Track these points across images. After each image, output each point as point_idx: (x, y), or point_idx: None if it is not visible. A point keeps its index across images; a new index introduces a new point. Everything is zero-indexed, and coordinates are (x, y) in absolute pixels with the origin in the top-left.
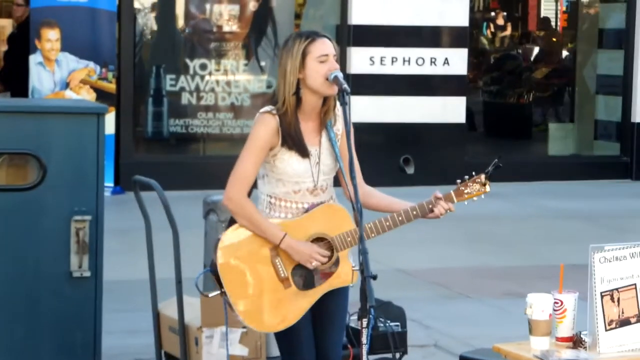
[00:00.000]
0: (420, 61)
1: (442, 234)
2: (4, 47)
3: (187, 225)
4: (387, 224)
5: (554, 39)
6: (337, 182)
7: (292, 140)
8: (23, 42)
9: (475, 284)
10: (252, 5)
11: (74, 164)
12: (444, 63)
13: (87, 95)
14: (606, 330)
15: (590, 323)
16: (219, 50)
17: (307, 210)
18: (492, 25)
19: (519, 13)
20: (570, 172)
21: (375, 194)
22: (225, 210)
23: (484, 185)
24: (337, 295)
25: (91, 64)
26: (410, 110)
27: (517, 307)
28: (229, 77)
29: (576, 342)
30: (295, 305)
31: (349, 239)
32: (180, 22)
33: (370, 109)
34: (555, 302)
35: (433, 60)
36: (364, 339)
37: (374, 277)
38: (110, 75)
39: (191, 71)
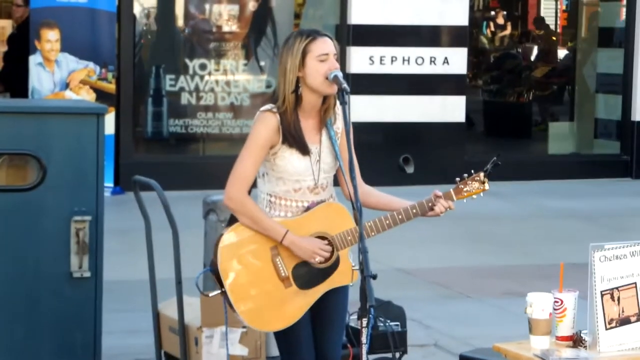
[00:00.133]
0: (419, 60)
1: (442, 234)
2: (4, 48)
3: (187, 225)
4: (387, 222)
5: (554, 38)
6: (335, 181)
7: (293, 138)
8: (23, 42)
9: (475, 284)
10: (251, 5)
11: (74, 165)
12: (444, 62)
13: (87, 96)
14: (606, 329)
15: (591, 322)
16: (219, 50)
17: (307, 209)
18: (491, 25)
19: (518, 12)
20: (570, 171)
21: (374, 193)
22: (225, 210)
23: (483, 183)
24: (337, 295)
25: (91, 65)
26: (410, 110)
27: (517, 307)
28: (229, 77)
29: (576, 341)
30: (295, 305)
31: (349, 237)
32: (180, 22)
33: (370, 109)
34: (556, 301)
35: (433, 59)
36: (363, 339)
37: (374, 277)
38: (109, 75)
39: (191, 71)
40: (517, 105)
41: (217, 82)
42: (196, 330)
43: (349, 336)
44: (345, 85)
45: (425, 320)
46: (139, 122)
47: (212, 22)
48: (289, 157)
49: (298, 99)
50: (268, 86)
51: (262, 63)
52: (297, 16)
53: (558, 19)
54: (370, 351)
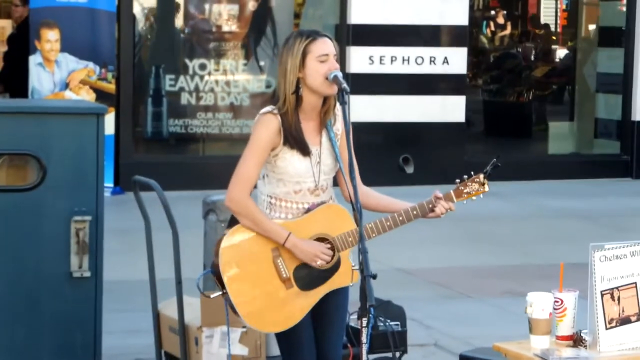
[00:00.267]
0: (419, 60)
1: (442, 234)
2: (4, 48)
3: (187, 226)
4: (388, 223)
5: (553, 37)
6: (334, 182)
7: (294, 139)
8: (22, 42)
9: (476, 283)
10: (251, 5)
11: (74, 165)
12: (444, 62)
13: (87, 96)
14: (606, 328)
15: (591, 322)
16: (218, 50)
17: (307, 211)
18: (491, 24)
19: (518, 12)
20: (570, 170)
21: (373, 194)
22: (225, 210)
23: (483, 184)
24: (337, 296)
25: (91, 65)
26: (409, 110)
27: (517, 306)
28: (229, 77)
29: (576, 340)
30: (297, 306)
31: (350, 239)
32: (180, 22)
33: (370, 109)
34: (556, 301)
35: (432, 59)
36: (363, 338)
37: (374, 277)
38: (109, 75)
39: (190, 71)
40: (517, 105)
41: (216, 82)
42: (196, 330)
43: (349, 336)
44: (345, 85)
45: (425, 320)
46: (138, 122)
47: (211, 22)
48: (290, 159)
49: (298, 100)
50: (268, 86)
51: (262, 63)
52: (297, 16)
53: (558, 18)
54: (370, 351)
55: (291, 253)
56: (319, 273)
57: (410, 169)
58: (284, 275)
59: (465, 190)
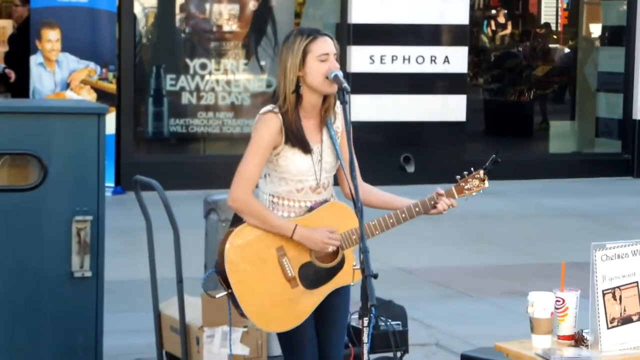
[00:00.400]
0: (420, 59)
1: (443, 233)
2: (5, 48)
3: (188, 225)
4: (391, 221)
5: (554, 36)
6: (334, 180)
7: (295, 138)
8: (23, 42)
9: (476, 283)
10: (252, 5)
11: (75, 165)
12: (444, 61)
13: (88, 96)
14: (608, 328)
15: (592, 321)
16: (219, 50)
17: (310, 209)
18: (492, 23)
19: (519, 11)
20: (571, 169)
21: (374, 191)
22: (226, 209)
23: (483, 180)
24: (339, 295)
25: (91, 64)
26: (410, 109)
27: (518, 306)
28: (229, 77)
29: (578, 340)
30: (302, 305)
31: (354, 237)
32: (180, 22)
33: (371, 108)
34: (557, 300)
35: (433, 58)
36: (365, 338)
37: (375, 276)
38: (110, 75)
39: (191, 71)
40: (518, 104)
41: (217, 81)
42: (197, 330)
43: (350, 335)
44: (345, 84)
45: (426, 319)
46: (139, 122)
47: (212, 21)
48: (292, 157)
49: (299, 98)
50: (268, 85)
51: (263, 62)
52: (298, 15)
53: (559, 17)
54: (372, 350)
55: (296, 252)
56: (324, 271)
57: (411, 168)
58: (290, 275)
59: (466, 187)
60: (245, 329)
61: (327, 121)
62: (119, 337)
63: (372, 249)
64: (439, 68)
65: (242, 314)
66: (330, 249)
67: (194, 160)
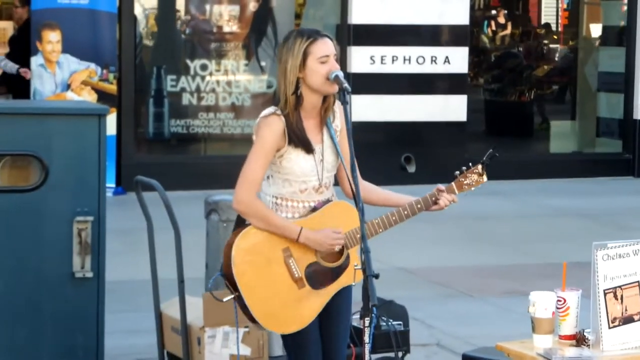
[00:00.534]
0: (420, 60)
1: (443, 233)
2: (5, 50)
3: (189, 226)
4: (394, 218)
5: (554, 37)
6: (335, 180)
7: (298, 139)
8: (24, 44)
9: (478, 283)
10: (252, 6)
11: (76, 165)
12: (445, 61)
13: (89, 97)
14: (609, 327)
15: (594, 321)
16: (220, 51)
17: (314, 209)
18: (492, 24)
19: (519, 11)
20: (572, 169)
21: (374, 190)
22: (227, 210)
23: (482, 175)
24: (342, 296)
25: (92, 66)
26: (411, 109)
27: (519, 306)
28: (230, 78)
29: (579, 340)
30: (310, 305)
31: (358, 235)
32: (181, 23)
33: (371, 108)
34: (558, 300)
35: (434, 58)
36: (366, 338)
37: (376, 276)
38: (111, 76)
39: (192, 72)
40: (518, 104)
41: (218, 82)
42: (198, 330)
43: (352, 336)
44: (346, 85)
45: (427, 319)
46: (140, 122)
47: (212, 22)
48: (295, 159)
49: (299, 99)
50: (269, 86)
51: (263, 63)
52: (298, 16)
53: (559, 17)
54: (373, 350)
55: (301, 252)
56: (330, 271)
57: (412, 168)
58: (296, 275)
59: (465, 182)
60: (247, 330)
61: (327, 120)
62: (120, 338)
63: (373, 249)
64: (440, 68)
65: (251, 317)
66: (336, 248)
67: (195, 161)
